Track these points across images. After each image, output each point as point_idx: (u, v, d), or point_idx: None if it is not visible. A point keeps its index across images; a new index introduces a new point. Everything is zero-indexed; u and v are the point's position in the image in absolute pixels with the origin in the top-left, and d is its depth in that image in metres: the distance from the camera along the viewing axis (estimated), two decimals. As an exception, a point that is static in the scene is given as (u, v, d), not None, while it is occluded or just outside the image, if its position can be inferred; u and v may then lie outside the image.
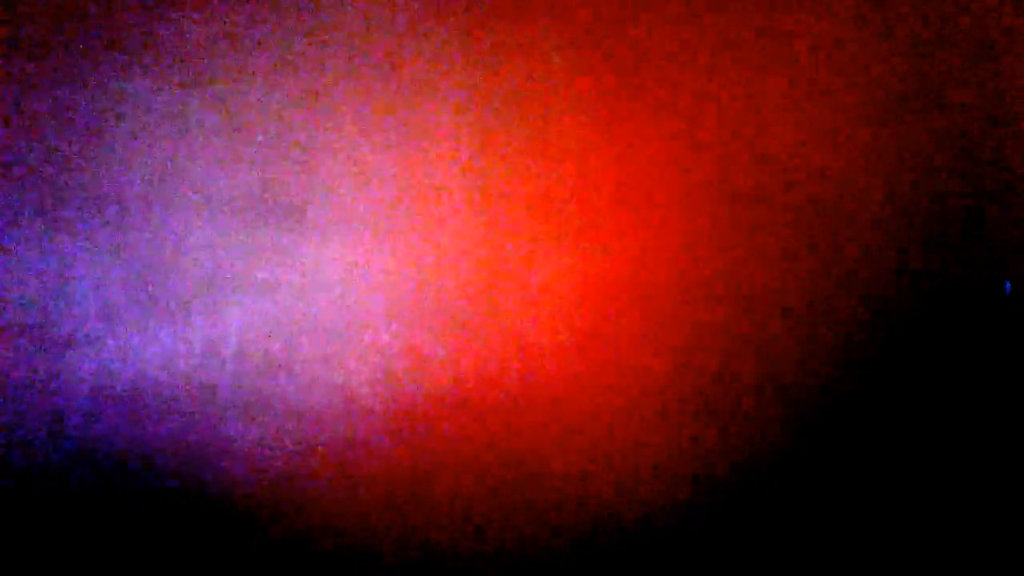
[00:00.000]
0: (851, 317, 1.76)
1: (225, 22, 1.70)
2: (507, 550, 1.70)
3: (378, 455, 1.68)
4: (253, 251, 1.68)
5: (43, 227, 1.65)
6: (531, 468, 1.71)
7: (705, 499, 1.73)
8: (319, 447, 1.67)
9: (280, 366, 1.67)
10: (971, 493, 1.75)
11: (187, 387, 1.65)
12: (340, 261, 1.69)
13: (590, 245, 1.73)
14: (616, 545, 1.72)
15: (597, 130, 1.74)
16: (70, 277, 1.65)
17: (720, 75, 1.77)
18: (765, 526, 1.74)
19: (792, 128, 1.77)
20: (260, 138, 1.69)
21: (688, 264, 1.74)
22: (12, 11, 1.67)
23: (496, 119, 1.73)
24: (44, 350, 1.63)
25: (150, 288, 1.66)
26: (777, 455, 1.74)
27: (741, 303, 1.75)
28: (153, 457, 1.64)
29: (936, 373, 1.76)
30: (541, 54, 1.74)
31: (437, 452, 1.69)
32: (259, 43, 1.70)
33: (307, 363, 1.67)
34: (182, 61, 1.69)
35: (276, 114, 1.70)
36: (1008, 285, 1.76)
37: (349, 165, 1.70)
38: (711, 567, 1.73)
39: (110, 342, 1.65)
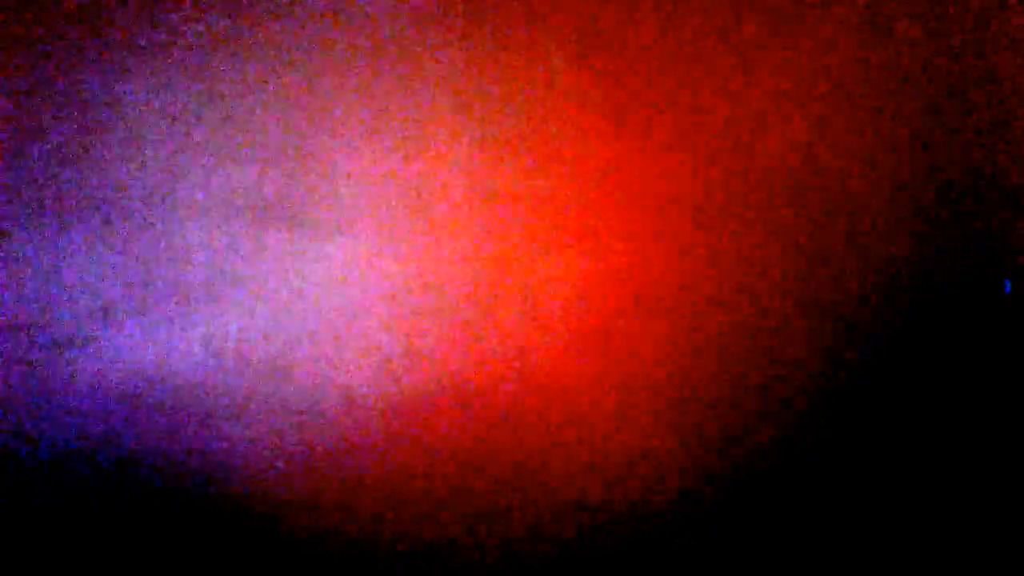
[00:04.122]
0: (851, 317, 1.76)
1: (225, 22, 1.70)
2: (507, 550, 1.70)
3: (378, 455, 1.68)
4: (253, 251, 1.68)
5: (41, 226, 1.65)
6: (531, 468, 1.71)
7: (706, 499, 1.73)
8: (319, 447, 1.67)
9: (280, 366, 1.67)
10: (971, 493, 1.75)
11: (186, 387, 1.65)
12: (340, 261, 1.69)
13: (590, 245, 1.73)
14: (617, 545, 1.72)
15: (597, 130, 1.74)
16: (69, 277, 1.65)
17: (722, 75, 1.77)
18: (766, 526, 1.74)
19: (793, 129, 1.77)
20: (260, 138, 1.69)
21: (688, 264, 1.74)
22: (10, 10, 1.66)
23: (496, 119, 1.73)
24: (42, 350, 1.63)
25: (149, 288, 1.66)
26: (778, 455, 1.74)
27: (741, 303, 1.75)
28: (152, 457, 1.64)
29: (936, 373, 1.76)
30: (541, 54, 1.74)
31: (437, 452, 1.69)
32: (259, 43, 1.70)
33: (307, 363, 1.67)
34: (182, 61, 1.69)
35: (276, 114, 1.70)
36: (1008, 285, 1.76)
37: (349, 165, 1.70)
38: (712, 567, 1.73)
39: (109, 342, 1.64)
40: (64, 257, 1.65)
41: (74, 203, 1.66)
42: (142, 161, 1.67)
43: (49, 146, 1.66)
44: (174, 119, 1.68)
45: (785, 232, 1.76)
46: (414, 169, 1.71)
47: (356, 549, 1.67)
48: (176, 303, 1.66)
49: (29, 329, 1.63)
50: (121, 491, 1.64)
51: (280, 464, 1.66)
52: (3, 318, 1.63)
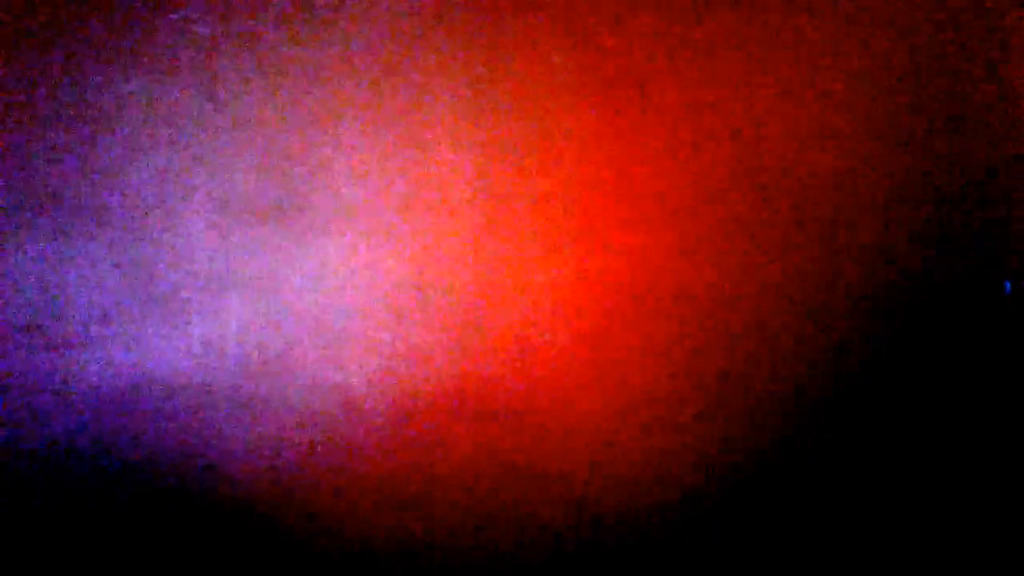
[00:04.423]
0: (851, 317, 1.76)
1: (227, 23, 1.70)
2: (507, 551, 1.70)
3: (378, 455, 1.68)
4: (253, 251, 1.68)
5: (42, 226, 1.65)
6: (531, 467, 1.71)
7: (706, 500, 1.73)
8: (319, 447, 1.67)
9: (280, 366, 1.67)
10: (971, 493, 1.75)
11: (187, 387, 1.65)
12: (340, 261, 1.69)
13: (590, 245, 1.73)
14: (617, 546, 1.71)
15: (598, 130, 1.74)
16: (69, 277, 1.65)
17: (722, 75, 1.77)
18: (766, 526, 1.73)
19: (793, 129, 1.77)
20: (260, 138, 1.69)
21: (688, 264, 1.74)
22: (11, 11, 1.67)
23: (497, 119, 1.73)
24: (43, 350, 1.63)
25: (149, 288, 1.66)
26: (777, 456, 1.74)
27: (741, 303, 1.75)
28: (152, 457, 1.64)
29: (936, 373, 1.76)
30: (542, 54, 1.74)
31: (437, 452, 1.69)
32: (260, 43, 1.70)
33: (307, 363, 1.67)
34: (183, 61, 1.69)
35: (277, 114, 1.70)
36: (1008, 285, 1.76)
37: (350, 165, 1.70)
38: (712, 568, 1.72)
39: (109, 342, 1.64)
40: (64, 258, 1.65)
41: (74, 204, 1.66)
42: (142, 162, 1.67)
43: (49, 146, 1.66)
44: (174, 120, 1.68)
45: (785, 232, 1.76)
46: (414, 169, 1.71)
47: (356, 549, 1.67)
48: (176, 303, 1.66)
49: (30, 330, 1.63)
50: (121, 491, 1.64)
51: (279, 463, 1.66)
52: (4, 319, 1.63)
